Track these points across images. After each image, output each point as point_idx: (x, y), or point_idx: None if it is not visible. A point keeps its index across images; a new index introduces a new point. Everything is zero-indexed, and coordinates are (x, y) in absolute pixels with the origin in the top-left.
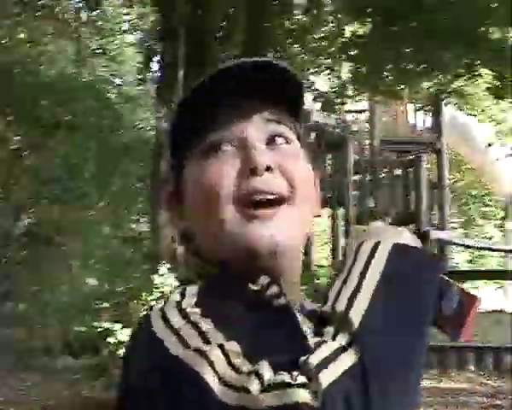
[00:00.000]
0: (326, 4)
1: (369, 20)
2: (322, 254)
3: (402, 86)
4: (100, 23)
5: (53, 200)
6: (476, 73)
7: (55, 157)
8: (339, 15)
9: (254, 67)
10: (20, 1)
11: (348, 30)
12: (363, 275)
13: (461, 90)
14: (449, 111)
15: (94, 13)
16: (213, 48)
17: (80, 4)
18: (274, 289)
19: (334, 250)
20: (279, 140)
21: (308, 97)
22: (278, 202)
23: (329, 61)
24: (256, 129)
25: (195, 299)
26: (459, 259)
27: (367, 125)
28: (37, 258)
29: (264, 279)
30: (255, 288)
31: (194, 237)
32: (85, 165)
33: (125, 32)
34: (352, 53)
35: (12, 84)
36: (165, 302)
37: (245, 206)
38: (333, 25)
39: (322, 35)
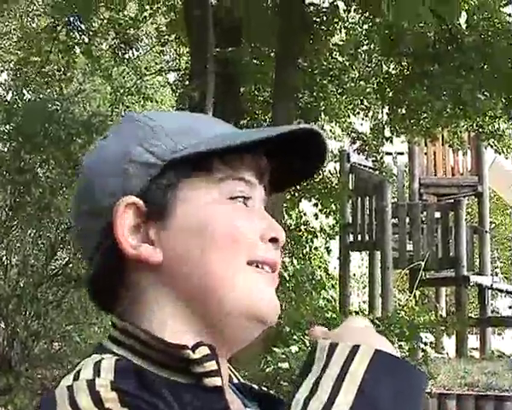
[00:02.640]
0: (362, 44)
1: (405, 60)
2: (361, 299)
3: (439, 128)
4: (135, 62)
5: None
6: None
7: None
8: (375, 55)
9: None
10: (54, 39)
11: (384, 70)
12: (337, 386)
13: (499, 132)
14: (490, 153)
15: (130, 52)
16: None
17: (115, 42)
18: (211, 365)
19: (371, 295)
20: None
21: (346, 139)
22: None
23: (366, 103)
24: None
25: (112, 377)
26: (500, 305)
27: (406, 167)
28: (69, 297)
29: (203, 350)
30: (193, 356)
31: (145, 275)
32: None
33: (160, 71)
34: (388, 94)
35: (47, 123)
36: (74, 378)
37: (258, 267)
38: (368, 65)
39: (358, 75)
